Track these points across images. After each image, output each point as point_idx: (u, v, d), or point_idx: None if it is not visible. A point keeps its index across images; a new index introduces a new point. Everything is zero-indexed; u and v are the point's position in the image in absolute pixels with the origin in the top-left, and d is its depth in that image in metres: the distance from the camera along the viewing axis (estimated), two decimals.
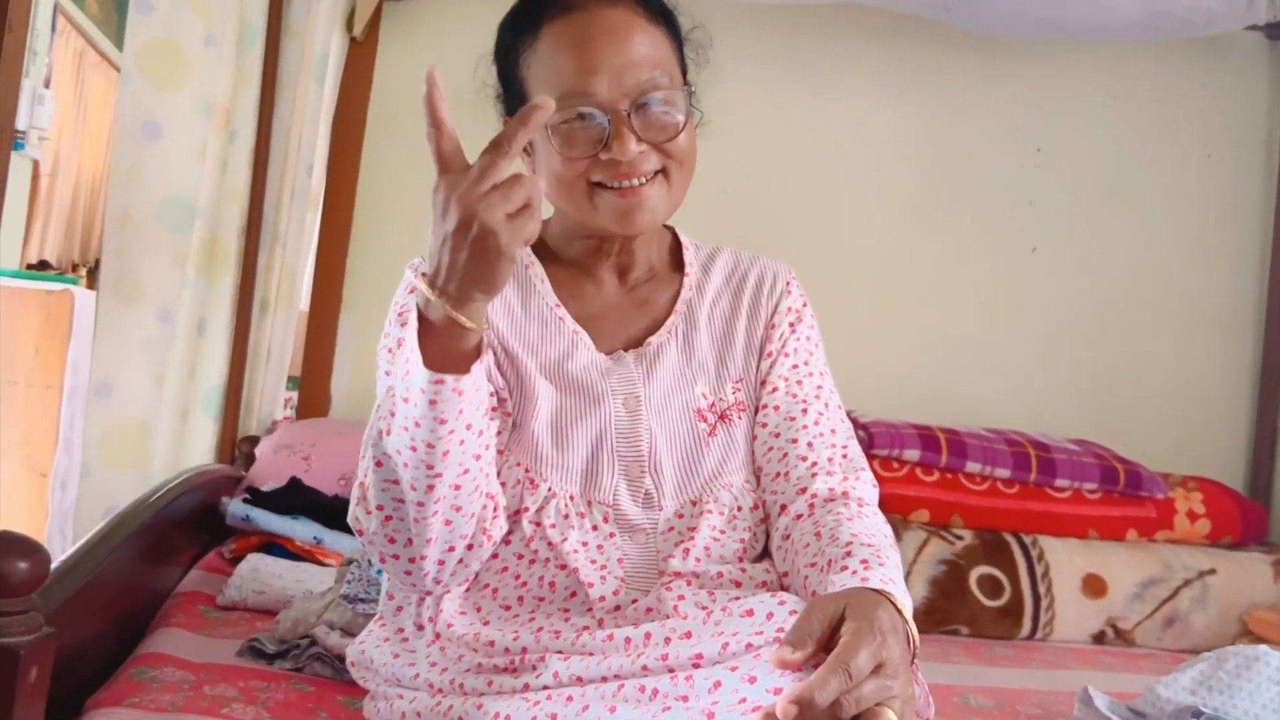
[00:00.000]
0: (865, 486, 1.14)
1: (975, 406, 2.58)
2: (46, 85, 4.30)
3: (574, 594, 1.05)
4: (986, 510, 2.23)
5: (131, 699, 1.15)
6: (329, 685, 1.28)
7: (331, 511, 1.91)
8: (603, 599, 1.04)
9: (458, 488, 0.96)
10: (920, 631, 2.07)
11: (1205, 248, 2.72)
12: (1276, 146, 2.72)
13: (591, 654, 0.95)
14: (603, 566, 1.07)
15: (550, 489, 1.09)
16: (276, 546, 1.83)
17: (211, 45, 2.23)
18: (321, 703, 1.22)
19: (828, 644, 0.81)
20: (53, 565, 1.17)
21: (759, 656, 0.84)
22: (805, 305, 1.24)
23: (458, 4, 2.55)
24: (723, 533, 1.11)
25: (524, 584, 1.07)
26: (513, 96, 1.14)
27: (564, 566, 1.06)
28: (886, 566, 0.94)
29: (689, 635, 0.93)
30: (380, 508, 0.98)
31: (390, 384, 0.98)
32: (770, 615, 0.93)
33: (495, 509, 1.04)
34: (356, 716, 1.17)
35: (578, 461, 1.10)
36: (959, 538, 2.18)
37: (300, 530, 1.85)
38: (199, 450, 2.29)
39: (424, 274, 0.91)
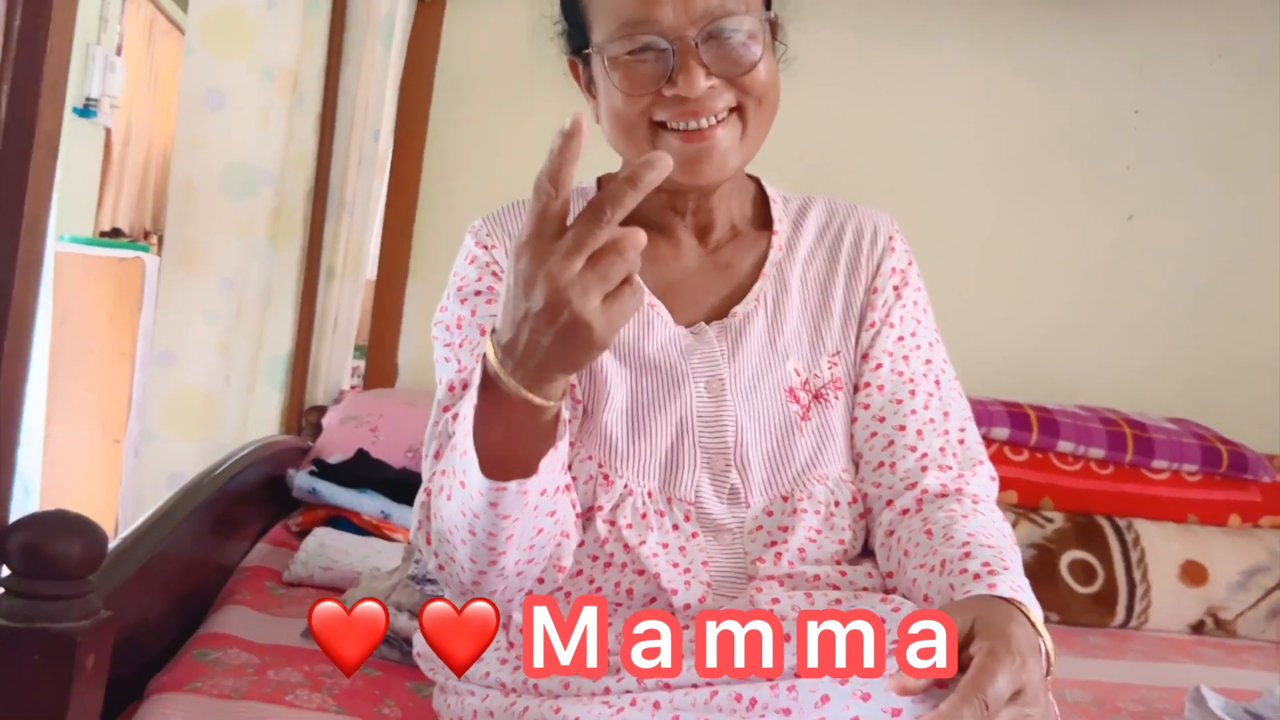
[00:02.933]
0: (983, 481, 1.02)
1: (1069, 384, 2.45)
2: (118, 53, 4.31)
3: (654, 600, 0.96)
4: (1079, 492, 2.12)
5: (194, 683, 1.11)
6: (396, 669, 1.23)
7: (399, 485, 1.86)
8: (687, 606, 0.94)
9: (530, 554, 0.89)
10: None
11: None
12: None
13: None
14: (686, 570, 0.97)
15: (626, 485, 0.99)
16: (343, 520, 1.79)
17: (274, 8, 2.18)
18: (389, 690, 1.17)
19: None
20: (113, 542, 1.13)
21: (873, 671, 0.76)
22: (911, 263, 1.10)
23: None
24: (819, 532, 1.00)
25: (598, 589, 0.98)
26: (574, 30, 1.01)
27: (642, 572, 0.96)
28: (1012, 571, 0.85)
29: (789, 638, 0.85)
30: (436, 555, 0.91)
31: (448, 442, 0.90)
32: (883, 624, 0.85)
33: (569, 538, 0.94)
34: (424, 705, 1.12)
35: (656, 454, 0.99)
36: (1049, 520, 2.08)
37: (367, 504, 1.81)
38: (265, 420, 2.26)
39: (496, 337, 0.79)
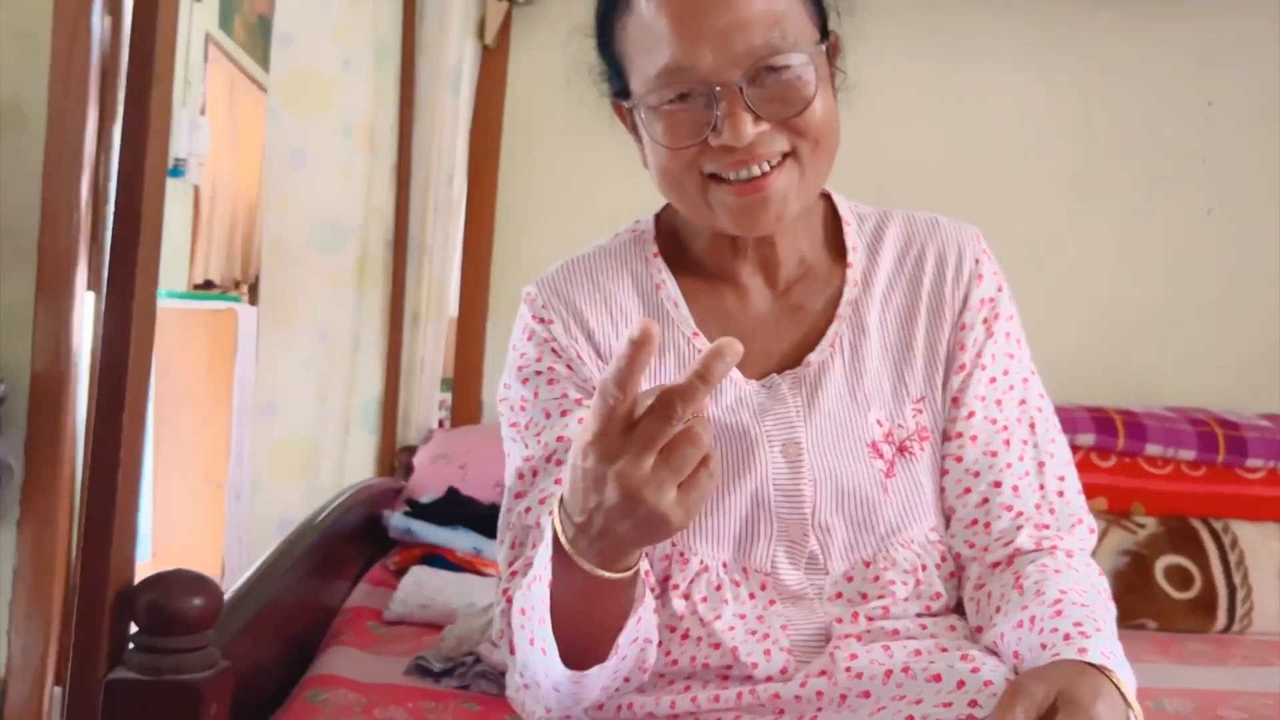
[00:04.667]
0: (1080, 538, 0.96)
1: (1151, 384, 2.41)
2: (202, 113, 4.50)
3: (730, 668, 0.91)
4: (1171, 495, 2.09)
5: None
6: (496, 703, 1.28)
7: (489, 520, 1.91)
8: (769, 679, 0.90)
9: (616, 686, 0.87)
10: None
11: None
12: None
13: (757, 711, 0.87)
14: (764, 637, 0.91)
15: (702, 562, 0.93)
16: (438, 557, 1.85)
17: (349, 68, 2.28)
18: None
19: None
20: (228, 594, 1.20)
21: None
22: (1000, 289, 1.00)
23: (586, 3, 2.53)
24: (905, 600, 0.94)
25: (674, 662, 0.93)
26: (615, 75, 0.95)
27: (718, 645, 0.91)
28: (1104, 634, 0.81)
29: (867, 695, 0.84)
30: (521, 675, 0.87)
31: (524, 535, 0.90)
32: (961, 683, 0.83)
33: (651, 643, 0.88)
34: None
35: (731, 527, 0.93)
36: (1141, 526, 2.06)
37: (460, 541, 1.87)
38: (361, 462, 2.35)
39: (565, 514, 0.75)
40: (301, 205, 2.32)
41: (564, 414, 0.94)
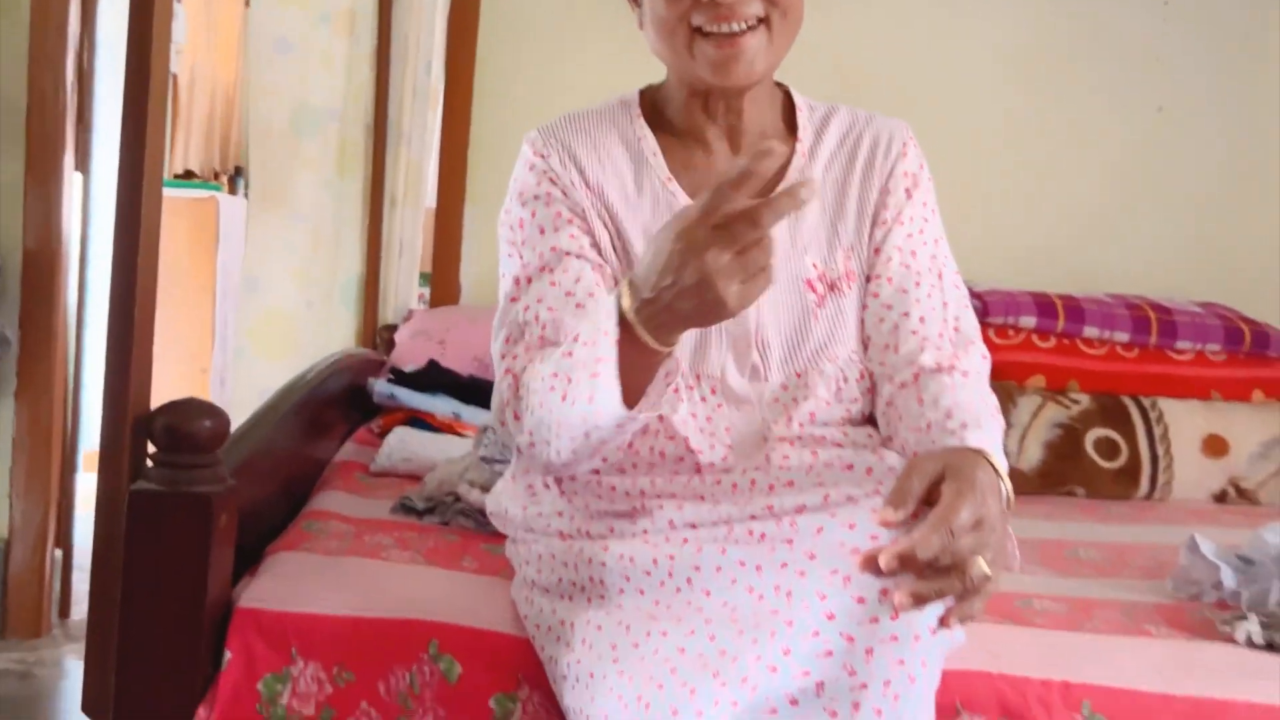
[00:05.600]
0: (973, 360, 1.14)
1: (1099, 274, 2.54)
2: (179, 0, 4.48)
3: (682, 459, 1.10)
4: (1104, 374, 2.23)
5: (305, 545, 1.31)
6: (473, 536, 1.42)
7: (468, 389, 2.05)
8: (711, 465, 1.09)
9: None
10: (1035, 493, 2.13)
11: None
12: None
13: (702, 498, 1.04)
14: (711, 434, 1.10)
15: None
16: (419, 421, 1.98)
17: None
18: (467, 549, 1.37)
19: (927, 501, 0.87)
20: None
21: (859, 506, 0.91)
22: (922, 168, 1.21)
23: None
24: (828, 404, 1.13)
25: (636, 452, 1.10)
26: None
27: (673, 437, 1.09)
28: (985, 430, 0.99)
29: (792, 484, 1.01)
30: (530, 434, 1.04)
31: (519, 332, 1.08)
32: (870, 470, 1.01)
33: None
34: (499, 559, 1.31)
35: (687, 338, 1.10)
36: (1075, 401, 2.20)
37: (440, 406, 2.00)
38: (342, 339, 2.47)
39: (634, 291, 0.91)
40: (284, 91, 2.39)
41: (557, 230, 1.12)
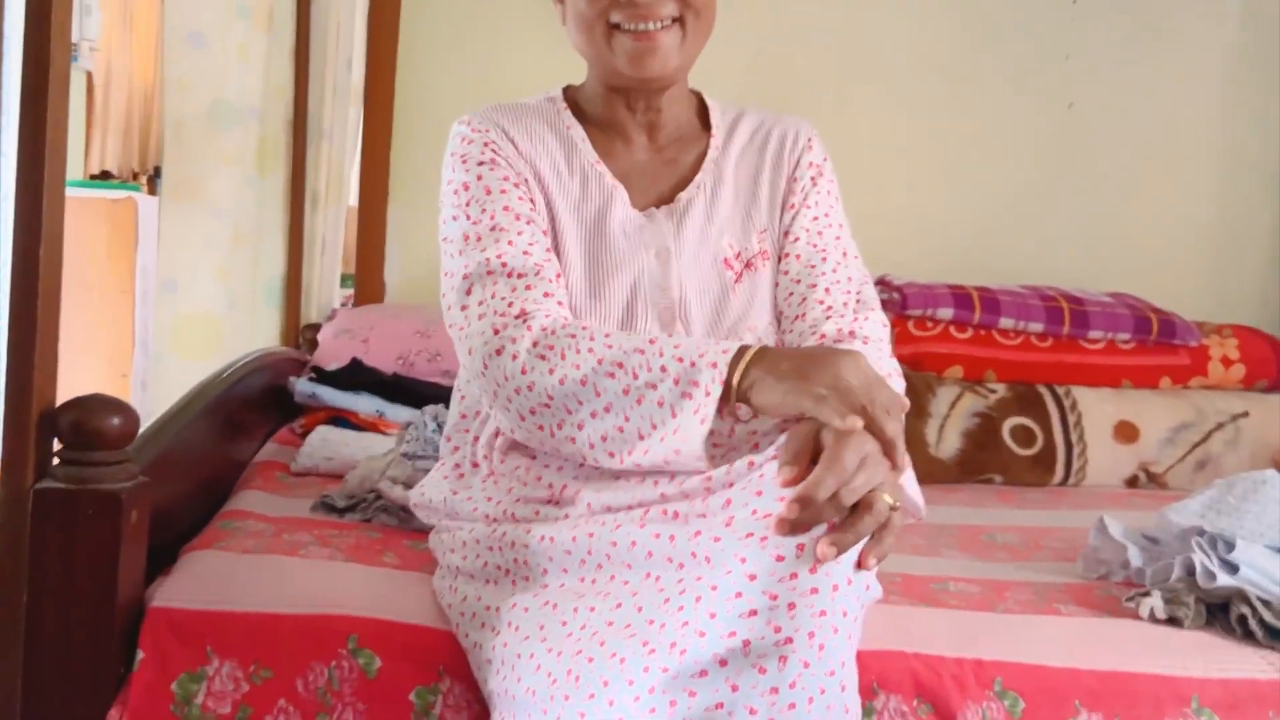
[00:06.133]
0: (873, 326, 1.23)
1: (1014, 267, 2.60)
2: None
3: None
4: (1020, 364, 2.29)
5: (221, 543, 1.29)
6: (395, 532, 1.41)
7: (391, 387, 2.03)
8: None
9: None
10: (954, 481, 2.18)
11: (1244, 97, 2.69)
12: None
13: (617, 479, 1.06)
14: None
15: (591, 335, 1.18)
16: (342, 420, 1.96)
17: None
18: (389, 545, 1.36)
19: (817, 453, 0.91)
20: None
21: (763, 475, 0.93)
22: (826, 160, 1.32)
23: None
24: None
25: None
26: None
27: None
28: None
29: (717, 445, 1.04)
30: (532, 411, 1.08)
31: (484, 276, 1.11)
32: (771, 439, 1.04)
33: None
34: (421, 554, 1.30)
35: (614, 310, 1.21)
36: (992, 391, 2.25)
37: (363, 405, 1.98)
38: (266, 339, 2.43)
39: (761, 358, 0.98)
40: (201, 86, 2.34)
41: (504, 192, 1.18)
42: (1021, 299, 2.32)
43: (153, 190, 4.39)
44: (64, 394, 1.08)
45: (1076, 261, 2.65)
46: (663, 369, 1.01)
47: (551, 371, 1.05)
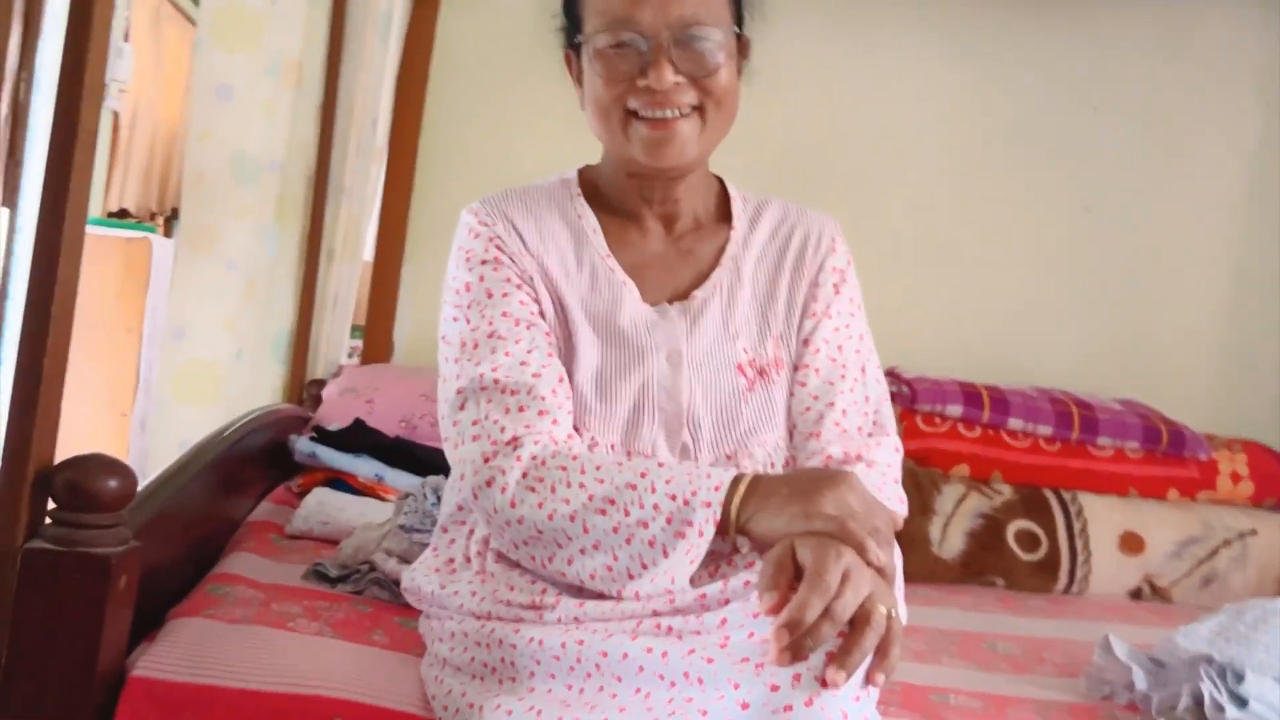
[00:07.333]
0: (884, 451, 1.18)
1: (1026, 368, 2.60)
2: (125, 39, 4.44)
3: None
4: (1027, 467, 2.27)
5: (208, 610, 1.26)
6: (386, 607, 1.38)
7: (392, 451, 2.01)
8: None
9: None
10: (955, 582, 2.15)
11: (1259, 211, 2.70)
12: None
13: (606, 599, 1.02)
14: None
15: (593, 438, 1.14)
16: (341, 482, 1.93)
17: (278, 4, 2.32)
18: (379, 622, 1.32)
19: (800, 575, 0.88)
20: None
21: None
22: (849, 264, 1.27)
23: None
24: None
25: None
26: (571, 25, 1.19)
27: None
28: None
29: (691, 581, 1.00)
30: (526, 542, 1.06)
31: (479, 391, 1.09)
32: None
33: None
34: (411, 635, 1.27)
35: (620, 413, 1.15)
36: (998, 492, 2.23)
37: (363, 468, 1.95)
38: (269, 392, 2.41)
39: (760, 486, 0.97)
40: (224, 138, 2.35)
41: (506, 295, 1.14)
42: (1031, 401, 2.31)
43: (168, 232, 4.42)
44: (63, 431, 1.05)
45: (1087, 365, 2.65)
46: (655, 506, 0.98)
47: (540, 506, 1.03)
